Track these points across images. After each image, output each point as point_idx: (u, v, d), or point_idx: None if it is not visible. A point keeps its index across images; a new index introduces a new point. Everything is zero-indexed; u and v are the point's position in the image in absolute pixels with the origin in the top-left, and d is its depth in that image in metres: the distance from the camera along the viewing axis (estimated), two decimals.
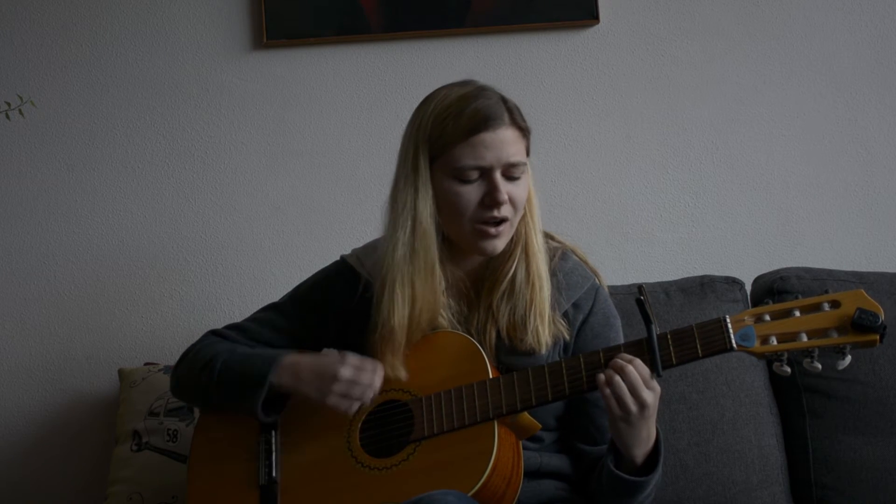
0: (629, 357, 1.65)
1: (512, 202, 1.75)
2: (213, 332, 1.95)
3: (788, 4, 2.59)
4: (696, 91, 2.58)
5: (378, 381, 1.75)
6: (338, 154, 2.57)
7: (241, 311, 2.41)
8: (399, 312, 1.75)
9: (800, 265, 2.37)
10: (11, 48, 2.55)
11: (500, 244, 1.77)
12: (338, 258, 1.97)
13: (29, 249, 2.53)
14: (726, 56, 2.59)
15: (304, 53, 2.56)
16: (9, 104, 2.25)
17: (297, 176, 2.56)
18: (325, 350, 1.80)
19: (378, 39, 2.56)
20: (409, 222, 1.75)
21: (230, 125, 2.56)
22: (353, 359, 1.76)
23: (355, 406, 1.74)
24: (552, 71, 2.58)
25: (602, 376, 1.65)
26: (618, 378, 1.63)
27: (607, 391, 1.64)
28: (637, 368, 1.64)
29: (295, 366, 1.78)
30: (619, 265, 2.53)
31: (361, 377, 1.74)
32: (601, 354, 1.69)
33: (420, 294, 1.76)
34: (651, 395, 1.64)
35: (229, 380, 1.81)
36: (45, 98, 2.52)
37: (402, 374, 1.76)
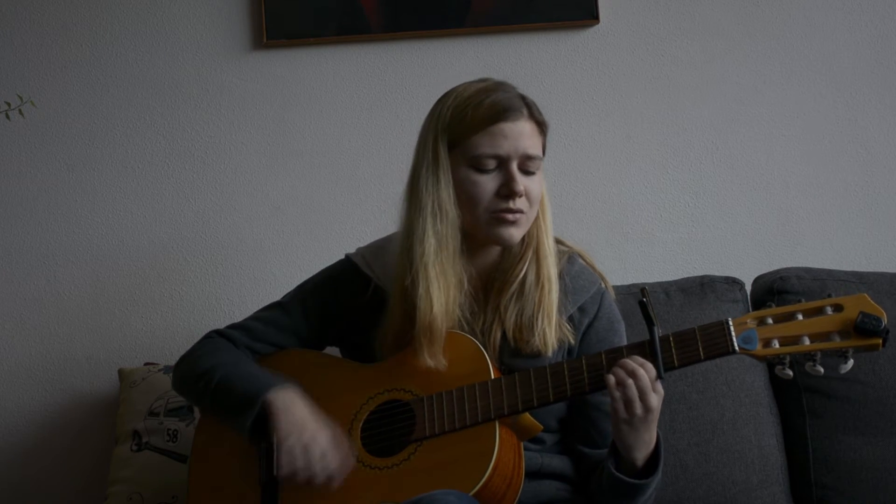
0: (641, 360, 1.65)
1: (528, 196, 1.75)
2: (217, 333, 1.94)
3: (788, 4, 2.59)
4: (696, 91, 2.58)
5: (330, 476, 1.69)
6: (338, 154, 2.57)
7: (241, 311, 2.40)
8: (438, 301, 1.74)
9: (800, 265, 2.37)
10: (11, 48, 2.55)
11: (516, 233, 1.77)
12: (342, 257, 1.97)
13: (29, 249, 2.53)
14: (726, 56, 2.59)
15: (304, 53, 2.56)
16: (9, 104, 2.24)
17: (297, 176, 2.56)
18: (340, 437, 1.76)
19: (378, 39, 2.56)
20: (438, 210, 1.75)
21: (230, 125, 2.56)
22: (336, 446, 1.71)
23: (290, 472, 1.68)
24: (552, 71, 2.58)
25: (612, 378, 1.65)
26: (630, 381, 1.63)
27: (617, 394, 1.64)
28: (648, 373, 1.64)
29: (293, 399, 1.74)
30: (619, 265, 2.53)
31: (320, 463, 1.68)
32: (603, 356, 1.69)
33: (452, 283, 1.76)
34: (657, 400, 1.64)
35: (224, 394, 1.79)
36: (45, 98, 2.52)
37: (443, 362, 1.74)
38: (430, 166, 1.76)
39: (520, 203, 1.74)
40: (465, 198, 1.76)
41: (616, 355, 1.68)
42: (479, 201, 1.75)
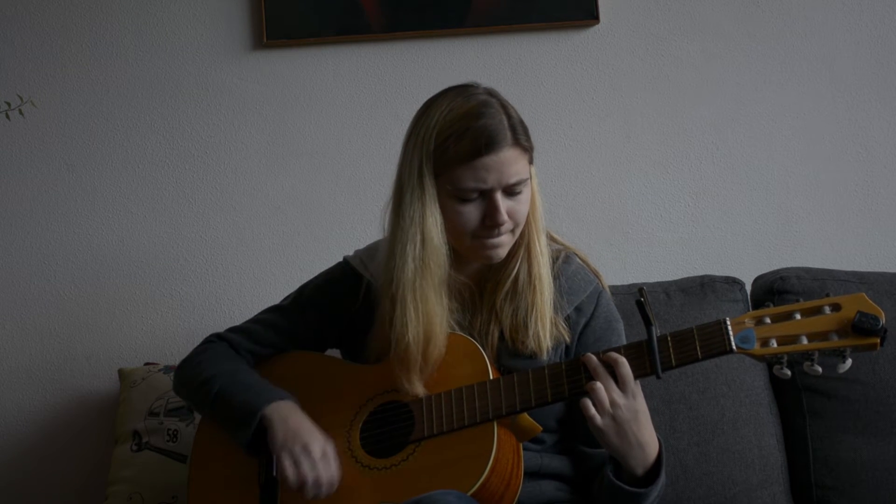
0: (615, 357, 1.66)
1: (512, 217, 1.74)
2: (218, 336, 1.95)
3: (788, 4, 2.59)
4: (696, 91, 2.58)
5: (333, 478, 1.71)
6: (338, 154, 2.57)
7: (241, 311, 2.41)
8: (413, 329, 1.72)
9: (800, 265, 2.37)
10: (11, 48, 2.55)
11: (501, 253, 1.77)
12: (340, 259, 1.97)
13: (29, 249, 2.54)
14: (726, 56, 2.59)
15: (304, 53, 2.56)
16: (9, 104, 2.25)
17: (297, 176, 2.56)
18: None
19: (378, 39, 2.56)
20: (419, 237, 1.73)
21: (230, 125, 2.56)
22: (332, 448, 1.74)
23: (295, 477, 1.70)
24: (552, 71, 2.58)
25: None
26: (598, 384, 1.65)
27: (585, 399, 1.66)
28: (621, 368, 1.64)
29: (290, 410, 1.77)
30: (619, 265, 2.53)
31: (322, 462, 1.71)
32: (600, 356, 1.68)
33: (433, 309, 1.74)
34: (622, 398, 1.64)
35: (224, 406, 1.81)
36: (45, 98, 2.52)
37: (420, 390, 1.74)
38: (416, 192, 1.73)
39: (504, 229, 1.73)
40: (450, 226, 1.74)
41: None
42: (464, 230, 1.74)
